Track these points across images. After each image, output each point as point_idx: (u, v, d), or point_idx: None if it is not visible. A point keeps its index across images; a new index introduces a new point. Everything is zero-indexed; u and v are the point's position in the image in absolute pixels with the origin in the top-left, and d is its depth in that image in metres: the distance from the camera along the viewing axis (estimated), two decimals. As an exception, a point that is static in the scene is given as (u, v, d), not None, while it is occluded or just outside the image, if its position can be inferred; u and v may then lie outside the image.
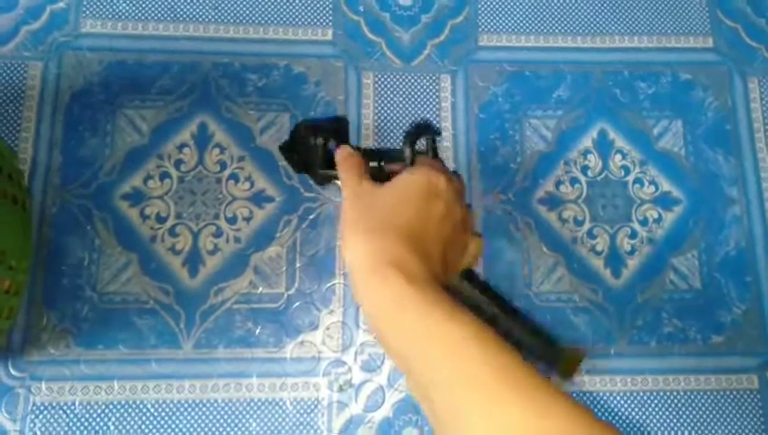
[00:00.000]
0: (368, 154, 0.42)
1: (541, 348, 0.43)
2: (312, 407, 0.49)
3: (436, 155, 0.41)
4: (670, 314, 0.52)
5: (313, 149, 0.43)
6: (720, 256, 0.53)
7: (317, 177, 0.43)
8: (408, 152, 0.41)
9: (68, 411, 0.47)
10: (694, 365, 0.51)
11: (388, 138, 0.54)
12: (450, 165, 0.54)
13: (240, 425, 0.48)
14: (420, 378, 0.31)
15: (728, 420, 0.50)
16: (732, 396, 0.50)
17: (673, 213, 0.54)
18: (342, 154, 0.40)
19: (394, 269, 0.32)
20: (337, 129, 0.44)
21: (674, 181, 0.55)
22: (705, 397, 0.50)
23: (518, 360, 0.29)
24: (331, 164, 0.42)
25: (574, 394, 0.50)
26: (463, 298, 0.41)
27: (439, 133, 0.43)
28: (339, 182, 0.39)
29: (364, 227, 0.35)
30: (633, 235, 0.53)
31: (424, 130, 0.42)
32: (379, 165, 0.41)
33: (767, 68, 0.58)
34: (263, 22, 0.56)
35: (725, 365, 0.51)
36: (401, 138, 0.41)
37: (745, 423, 0.50)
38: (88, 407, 0.47)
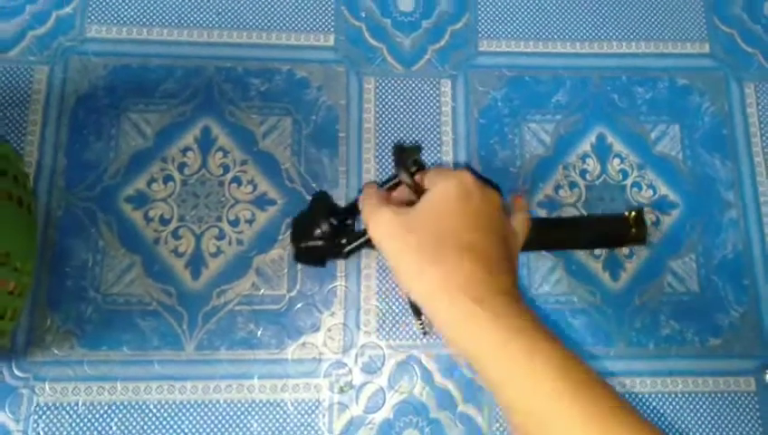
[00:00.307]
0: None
1: (607, 229, 0.52)
2: (313, 408, 0.49)
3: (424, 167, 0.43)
4: (668, 316, 0.52)
5: (323, 241, 0.45)
6: (717, 259, 0.54)
7: (345, 254, 0.45)
8: (405, 177, 0.42)
9: (71, 412, 0.48)
10: (691, 367, 0.51)
11: (390, 142, 0.55)
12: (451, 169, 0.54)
13: (241, 426, 0.48)
14: (507, 401, 0.31)
15: (725, 422, 0.50)
16: (729, 398, 0.51)
17: (671, 216, 0.55)
18: (364, 197, 0.41)
19: (462, 295, 0.32)
20: (323, 206, 0.47)
21: (671, 185, 0.55)
22: (703, 399, 0.51)
23: (607, 392, 0.30)
24: (350, 237, 0.45)
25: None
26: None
27: (419, 148, 0.45)
28: (369, 228, 0.39)
29: (417, 256, 0.34)
30: (631, 238, 0.54)
31: (408, 151, 0.43)
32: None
33: (763, 73, 0.59)
34: (265, 27, 0.57)
35: (723, 368, 0.52)
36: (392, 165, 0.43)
37: (742, 426, 0.50)
38: (91, 407, 0.48)
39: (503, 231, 0.37)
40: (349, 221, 0.47)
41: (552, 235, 0.52)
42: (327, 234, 0.45)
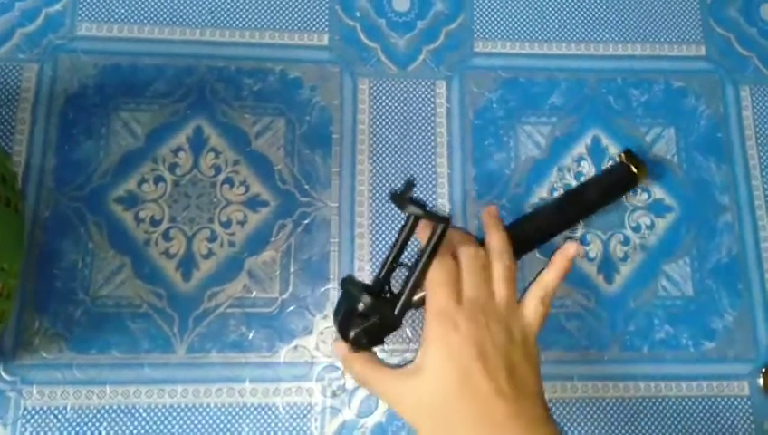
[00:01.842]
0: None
1: (611, 182, 0.52)
2: (305, 412, 0.48)
3: (424, 208, 0.41)
4: (662, 320, 0.52)
5: (370, 316, 0.41)
6: (712, 263, 0.54)
7: (399, 318, 0.42)
8: (410, 213, 0.41)
9: (59, 416, 0.47)
10: (685, 372, 0.51)
11: (383, 143, 0.54)
12: (445, 170, 0.54)
13: (233, 430, 0.48)
14: None
15: (719, 426, 0.50)
16: (723, 403, 0.51)
17: (665, 220, 0.55)
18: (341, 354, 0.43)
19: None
20: (353, 286, 0.42)
21: (666, 188, 0.55)
22: (697, 403, 0.51)
23: None
24: (394, 298, 0.42)
25: (569, 401, 0.50)
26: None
27: (413, 184, 0.44)
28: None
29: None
30: (626, 241, 0.54)
31: (404, 190, 0.42)
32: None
33: (759, 77, 0.58)
34: (258, 26, 0.56)
35: (717, 372, 0.51)
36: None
37: (736, 430, 0.50)
38: (80, 411, 0.47)
39: (506, 341, 0.39)
40: (386, 288, 0.43)
41: (564, 214, 0.50)
42: (370, 307, 0.41)
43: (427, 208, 0.40)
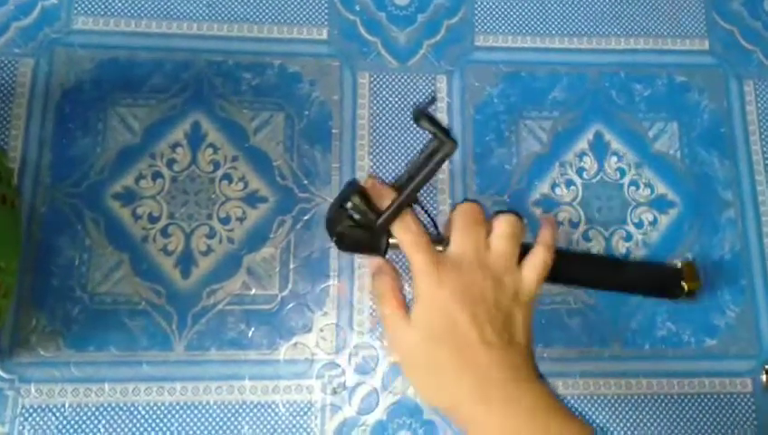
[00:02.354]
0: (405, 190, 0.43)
1: (656, 281, 0.49)
2: (306, 410, 0.48)
3: (443, 130, 0.42)
4: (664, 317, 0.52)
5: (359, 217, 0.42)
6: (714, 259, 0.53)
7: (381, 249, 0.44)
8: (421, 126, 0.42)
9: (58, 414, 0.47)
10: (687, 369, 0.51)
11: (383, 138, 0.54)
12: (446, 166, 0.53)
13: (232, 428, 0.47)
14: None
15: (721, 423, 0.50)
16: (725, 400, 0.50)
17: (668, 216, 0.54)
18: (405, 234, 0.42)
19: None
20: (353, 187, 0.44)
21: (669, 184, 0.55)
22: (699, 400, 0.50)
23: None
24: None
25: (570, 398, 0.50)
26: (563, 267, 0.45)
27: (435, 99, 0.45)
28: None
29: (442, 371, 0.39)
30: (628, 237, 0.53)
31: (424, 107, 0.43)
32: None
33: (763, 71, 0.58)
34: (257, 20, 0.56)
35: (719, 369, 0.51)
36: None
37: (738, 427, 0.50)
38: (78, 409, 0.47)
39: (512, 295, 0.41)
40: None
41: (588, 273, 0.48)
42: (356, 208, 0.42)
43: (441, 126, 0.41)
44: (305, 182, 0.52)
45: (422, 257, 0.41)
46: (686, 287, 0.47)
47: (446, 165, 0.53)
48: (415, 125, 0.52)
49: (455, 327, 0.38)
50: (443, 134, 0.41)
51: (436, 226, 0.48)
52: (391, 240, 0.43)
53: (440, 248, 0.43)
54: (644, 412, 0.50)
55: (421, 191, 0.45)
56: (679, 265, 0.50)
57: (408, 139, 0.54)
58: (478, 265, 0.40)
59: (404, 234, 0.42)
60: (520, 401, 0.37)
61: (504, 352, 0.38)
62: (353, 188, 0.43)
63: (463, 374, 0.38)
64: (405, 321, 0.40)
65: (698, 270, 0.49)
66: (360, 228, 0.42)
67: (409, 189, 0.42)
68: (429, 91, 0.55)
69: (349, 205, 0.42)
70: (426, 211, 0.47)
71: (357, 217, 0.42)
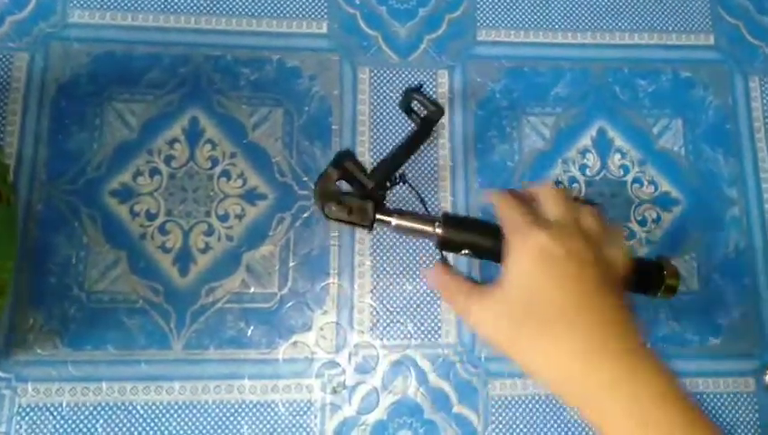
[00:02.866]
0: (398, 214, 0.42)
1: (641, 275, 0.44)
2: (305, 409, 0.48)
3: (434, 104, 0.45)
4: (668, 315, 0.51)
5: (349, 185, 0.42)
6: (718, 257, 0.53)
7: (367, 222, 0.41)
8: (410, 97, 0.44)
9: (55, 413, 0.46)
10: (691, 368, 0.51)
11: (384, 134, 0.53)
12: (447, 163, 0.53)
13: (231, 427, 0.47)
14: None
15: (724, 423, 0.50)
16: (728, 399, 0.50)
17: (672, 213, 0.54)
18: (439, 278, 0.39)
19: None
20: (346, 153, 0.43)
21: (673, 181, 0.54)
22: (702, 400, 0.50)
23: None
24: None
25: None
26: None
27: (420, 86, 0.47)
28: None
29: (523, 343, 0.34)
30: (632, 235, 0.53)
31: (410, 93, 0.44)
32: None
33: (768, 67, 0.57)
34: (256, 14, 0.55)
35: (723, 368, 0.51)
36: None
37: (741, 427, 0.50)
38: (75, 408, 0.46)
39: (601, 286, 0.35)
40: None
41: None
42: (351, 175, 0.41)
43: (428, 97, 0.43)
44: (305, 179, 0.52)
45: (521, 214, 0.36)
46: (668, 283, 0.44)
47: (446, 162, 0.53)
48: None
49: (564, 281, 0.34)
50: (430, 103, 0.43)
51: (424, 204, 0.46)
52: (378, 215, 0.41)
53: (433, 229, 0.41)
54: (646, 412, 0.50)
55: (422, 188, 0.44)
56: (658, 260, 0.45)
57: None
58: (574, 230, 0.36)
59: (506, 201, 0.38)
60: (647, 386, 0.32)
61: (606, 279, 0.34)
62: (346, 154, 0.43)
63: (575, 334, 0.33)
64: (491, 287, 0.36)
65: (677, 271, 0.44)
66: (350, 196, 0.42)
67: (398, 151, 0.42)
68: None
69: (340, 169, 0.42)
70: (413, 189, 0.46)
71: (351, 179, 0.42)
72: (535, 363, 0.34)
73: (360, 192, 0.42)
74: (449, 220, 0.41)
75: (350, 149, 0.45)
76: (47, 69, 0.52)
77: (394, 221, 0.41)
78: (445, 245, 0.41)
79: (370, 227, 0.42)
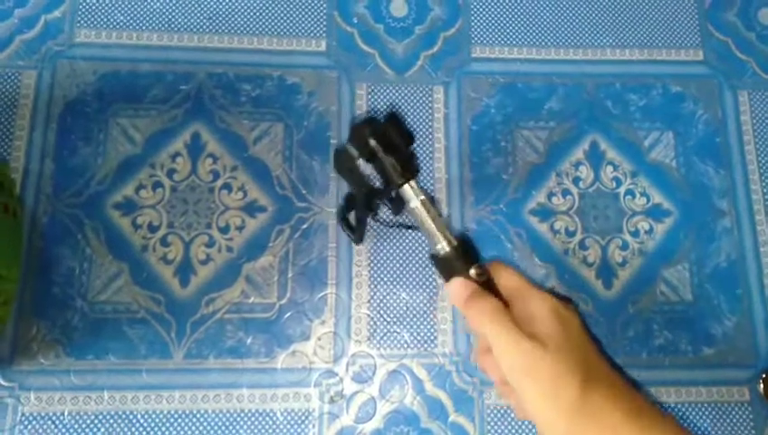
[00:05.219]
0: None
1: None
2: (303, 418, 0.48)
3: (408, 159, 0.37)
4: (661, 325, 0.52)
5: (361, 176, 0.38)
6: (711, 267, 0.54)
7: (401, 179, 0.36)
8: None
9: (57, 422, 0.47)
10: (684, 377, 0.51)
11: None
12: (443, 175, 0.54)
13: (230, 436, 0.48)
14: None
15: (719, 432, 0.50)
16: (723, 408, 0.50)
17: (664, 224, 0.54)
18: (464, 293, 0.35)
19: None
20: (385, 131, 0.37)
21: (665, 193, 0.55)
22: (696, 409, 0.50)
23: None
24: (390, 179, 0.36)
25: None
26: None
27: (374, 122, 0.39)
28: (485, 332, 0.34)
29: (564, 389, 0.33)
30: (624, 246, 0.54)
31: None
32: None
33: (757, 81, 0.58)
34: (257, 32, 0.56)
35: (716, 377, 0.51)
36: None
37: (736, 435, 0.50)
38: (77, 417, 0.47)
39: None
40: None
41: None
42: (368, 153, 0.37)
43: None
44: (304, 192, 0.53)
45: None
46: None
47: (442, 175, 0.54)
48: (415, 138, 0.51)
49: (586, 353, 0.35)
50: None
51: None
52: (412, 183, 0.36)
53: (444, 242, 0.35)
54: (641, 421, 0.50)
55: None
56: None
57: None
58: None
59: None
60: None
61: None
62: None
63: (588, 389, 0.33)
64: (527, 341, 0.33)
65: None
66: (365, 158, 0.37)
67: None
68: (426, 102, 0.56)
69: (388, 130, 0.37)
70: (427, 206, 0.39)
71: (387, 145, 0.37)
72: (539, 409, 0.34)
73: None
74: (465, 245, 0.36)
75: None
76: (54, 86, 0.53)
77: (417, 203, 0.36)
78: (442, 264, 0.36)
79: (398, 186, 0.36)
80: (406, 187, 0.36)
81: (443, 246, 0.35)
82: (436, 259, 0.36)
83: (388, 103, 0.55)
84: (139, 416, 0.47)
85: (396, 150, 0.37)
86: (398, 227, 0.47)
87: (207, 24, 0.56)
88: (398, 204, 0.38)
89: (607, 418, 0.33)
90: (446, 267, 0.35)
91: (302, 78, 0.56)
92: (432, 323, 0.51)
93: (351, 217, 0.47)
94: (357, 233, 0.47)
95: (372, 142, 0.37)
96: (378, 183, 0.39)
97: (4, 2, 0.55)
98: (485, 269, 0.35)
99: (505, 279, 0.35)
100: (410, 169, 0.36)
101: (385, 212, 0.49)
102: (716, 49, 0.59)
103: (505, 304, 0.34)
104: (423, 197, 0.36)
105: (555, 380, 0.33)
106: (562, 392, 0.33)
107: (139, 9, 0.56)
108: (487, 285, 0.35)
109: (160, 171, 0.52)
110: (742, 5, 0.61)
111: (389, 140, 0.37)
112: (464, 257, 0.35)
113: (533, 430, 0.49)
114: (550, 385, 0.33)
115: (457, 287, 0.35)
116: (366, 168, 0.39)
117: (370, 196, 0.40)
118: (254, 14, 0.57)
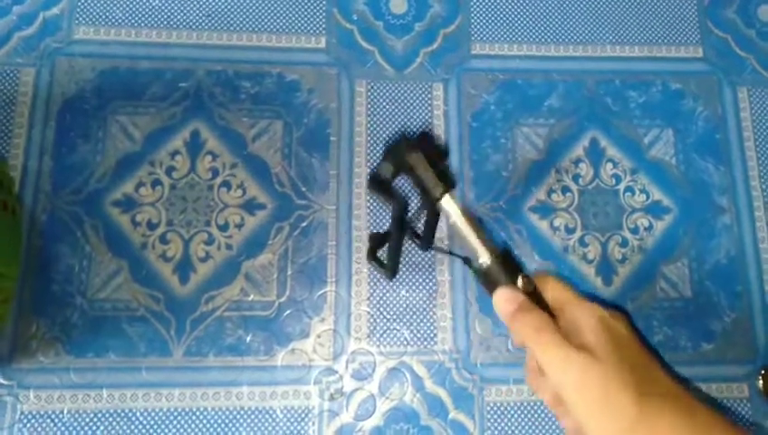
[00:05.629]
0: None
1: None
2: (303, 415, 0.48)
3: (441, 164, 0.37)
4: (661, 322, 0.52)
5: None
6: (710, 264, 0.54)
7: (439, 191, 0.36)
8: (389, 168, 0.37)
9: (56, 420, 0.47)
10: (684, 374, 0.51)
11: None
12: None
13: (230, 434, 0.47)
14: None
15: (719, 428, 0.50)
16: (722, 405, 0.50)
17: (664, 221, 0.54)
18: (509, 307, 0.33)
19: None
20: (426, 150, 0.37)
21: (665, 190, 0.55)
22: (696, 405, 0.50)
23: None
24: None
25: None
26: None
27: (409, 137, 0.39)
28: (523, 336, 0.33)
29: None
30: (624, 243, 0.54)
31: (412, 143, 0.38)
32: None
33: (756, 78, 0.58)
34: (256, 29, 0.56)
35: (716, 374, 0.51)
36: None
37: (736, 432, 0.50)
38: (76, 415, 0.47)
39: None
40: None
41: None
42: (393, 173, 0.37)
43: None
44: (303, 189, 0.53)
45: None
46: None
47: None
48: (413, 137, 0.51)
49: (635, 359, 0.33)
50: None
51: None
52: (449, 196, 0.36)
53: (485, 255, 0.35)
54: (641, 418, 0.50)
55: (417, 198, 0.45)
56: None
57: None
58: None
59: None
60: None
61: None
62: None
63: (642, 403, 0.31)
64: (575, 352, 0.32)
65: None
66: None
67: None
68: (426, 98, 0.56)
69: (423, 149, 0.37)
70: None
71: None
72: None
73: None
74: (508, 255, 0.35)
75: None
76: (53, 83, 0.53)
77: (457, 215, 0.35)
78: (486, 276, 0.35)
79: (436, 199, 0.36)
80: (445, 198, 0.36)
81: (485, 260, 0.34)
82: (479, 273, 0.35)
83: (387, 100, 0.55)
84: (138, 414, 0.47)
85: (433, 164, 0.37)
86: (435, 250, 0.48)
87: (206, 21, 0.56)
88: (431, 225, 0.40)
89: None
90: (491, 280, 0.34)
91: (302, 75, 0.55)
92: (432, 320, 0.51)
93: (381, 254, 0.48)
94: (390, 265, 0.47)
95: (410, 157, 0.37)
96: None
97: (2, -1, 0.55)
98: (531, 280, 0.34)
99: (551, 290, 0.34)
100: (448, 181, 0.36)
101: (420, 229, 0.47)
102: (716, 46, 0.59)
103: (552, 316, 0.33)
104: (462, 209, 0.36)
105: (607, 392, 0.31)
106: (617, 406, 0.31)
107: (137, 6, 0.56)
108: (534, 296, 0.34)
109: (159, 169, 0.52)
110: (741, 2, 0.61)
111: (426, 153, 0.37)
112: (509, 268, 0.34)
113: (533, 428, 0.49)
114: (602, 399, 0.31)
115: (503, 300, 0.34)
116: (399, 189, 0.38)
117: (406, 213, 0.40)
118: (254, 10, 0.57)
